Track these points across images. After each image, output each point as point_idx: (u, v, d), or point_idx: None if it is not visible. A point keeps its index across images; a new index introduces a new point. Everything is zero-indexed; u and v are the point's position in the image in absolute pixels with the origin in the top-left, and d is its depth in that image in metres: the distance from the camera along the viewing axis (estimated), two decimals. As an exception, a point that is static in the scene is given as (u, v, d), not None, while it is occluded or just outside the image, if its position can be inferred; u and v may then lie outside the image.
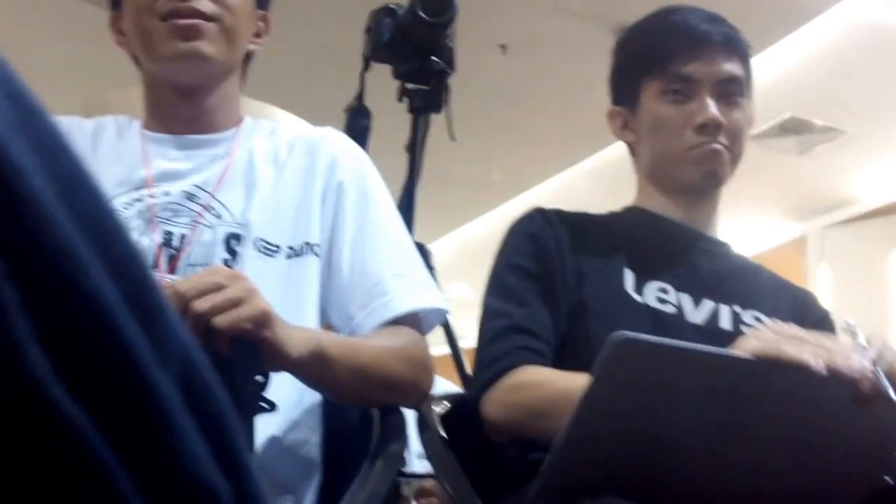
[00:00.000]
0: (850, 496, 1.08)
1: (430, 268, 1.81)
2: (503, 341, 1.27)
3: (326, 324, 1.28)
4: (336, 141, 1.35)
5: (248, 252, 1.19)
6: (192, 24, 1.18)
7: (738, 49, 1.39)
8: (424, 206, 1.81)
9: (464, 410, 1.31)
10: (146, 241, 1.18)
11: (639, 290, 1.31)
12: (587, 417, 0.97)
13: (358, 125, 1.76)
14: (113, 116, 1.34)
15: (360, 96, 1.80)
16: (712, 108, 1.33)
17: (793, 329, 0.98)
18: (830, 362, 0.92)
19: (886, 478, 1.14)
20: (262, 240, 1.21)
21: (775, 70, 4.47)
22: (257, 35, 1.34)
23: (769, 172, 5.51)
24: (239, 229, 1.21)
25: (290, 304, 1.19)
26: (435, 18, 1.71)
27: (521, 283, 1.32)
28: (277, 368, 0.98)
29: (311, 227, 1.25)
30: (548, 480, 1.02)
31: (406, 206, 1.81)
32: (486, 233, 7.13)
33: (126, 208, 1.20)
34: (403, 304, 1.21)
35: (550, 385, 1.18)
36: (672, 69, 1.36)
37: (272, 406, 1.00)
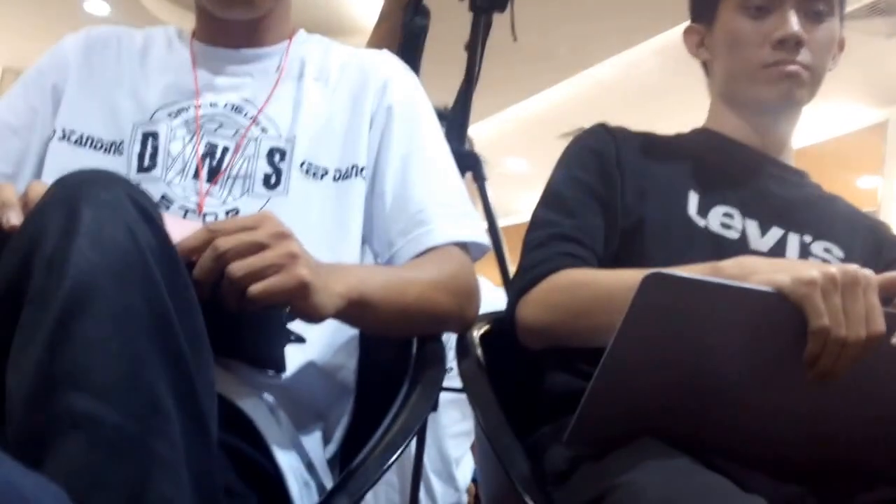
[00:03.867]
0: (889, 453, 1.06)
1: (482, 178, 1.81)
2: (547, 248, 1.25)
3: None
4: (390, 63, 1.32)
5: (293, 172, 1.19)
6: None
7: None
8: (484, 78, 1.78)
9: (503, 332, 1.31)
10: (189, 149, 1.19)
11: (703, 214, 1.27)
12: (621, 356, 0.96)
13: (416, 24, 1.72)
14: (163, 27, 1.33)
15: (420, -6, 1.75)
16: (794, 23, 1.26)
17: (836, 276, 0.93)
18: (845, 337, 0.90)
19: None
20: (309, 161, 1.20)
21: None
22: None
23: (855, 55, 5.28)
24: (284, 145, 1.20)
25: (336, 228, 1.19)
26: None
27: (575, 196, 1.29)
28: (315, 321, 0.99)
29: (359, 150, 1.23)
30: (581, 422, 1.02)
31: (462, 108, 1.78)
32: (547, 108, 7.01)
33: (172, 117, 1.21)
34: (445, 233, 1.20)
35: (593, 283, 1.16)
36: None
37: (301, 339, 1.02)
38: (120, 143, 1.20)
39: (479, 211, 1.80)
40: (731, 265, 1.04)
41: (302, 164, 1.20)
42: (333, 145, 1.23)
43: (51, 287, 0.72)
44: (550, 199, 1.32)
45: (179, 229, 0.88)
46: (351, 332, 1.21)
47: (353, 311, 1.03)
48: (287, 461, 1.02)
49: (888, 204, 6.56)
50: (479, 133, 1.79)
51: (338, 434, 1.20)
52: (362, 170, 1.22)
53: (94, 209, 0.76)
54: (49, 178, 1.16)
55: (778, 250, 1.28)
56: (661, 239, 1.25)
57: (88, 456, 0.69)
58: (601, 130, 1.37)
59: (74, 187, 0.78)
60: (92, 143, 1.21)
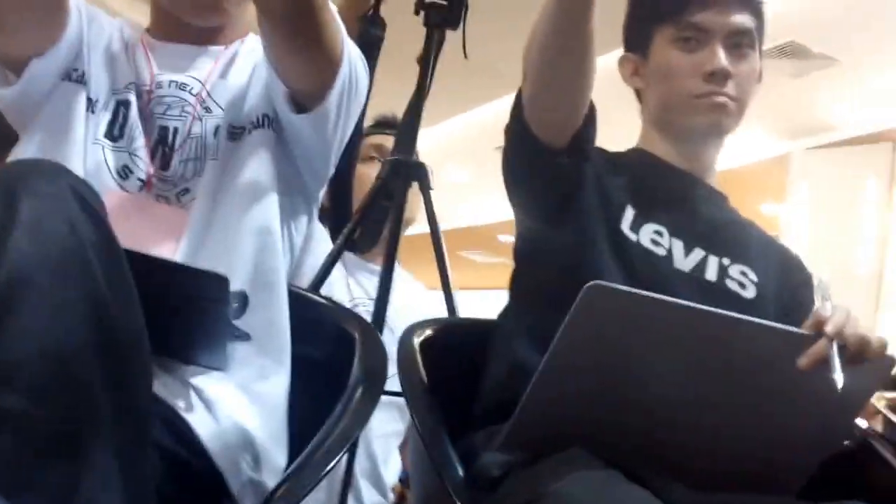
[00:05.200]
0: (810, 459, 1.11)
1: (428, 188, 1.79)
2: None
3: None
4: None
5: (221, 141, 1.20)
6: None
7: (751, 1, 1.36)
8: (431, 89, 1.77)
9: (446, 338, 1.30)
10: (144, 128, 1.20)
11: (635, 230, 1.30)
12: (558, 364, 0.98)
13: (371, 35, 1.70)
14: (120, 20, 1.32)
15: (376, 6, 1.73)
16: (722, 57, 1.31)
17: None
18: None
19: (846, 442, 1.17)
20: (232, 125, 1.21)
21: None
22: None
23: (764, 91, 5.44)
24: (219, 120, 1.21)
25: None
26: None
27: None
28: None
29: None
30: (516, 429, 1.03)
31: (412, 119, 1.77)
32: (488, 120, 7.03)
33: (137, 97, 1.21)
34: None
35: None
36: (685, 18, 1.33)
37: (246, 336, 0.98)
38: (95, 102, 1.20)
39: (422, 217, 1.78)
40: None
41: (228, 129, 1.21)
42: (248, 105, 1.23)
43: None
44: None
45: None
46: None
47: None
48: (226, 460, 0.99)
49: (788, 229, 6.76)
50: (423, 141, 1.77)
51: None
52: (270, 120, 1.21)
53: (34, 201, 0.73)
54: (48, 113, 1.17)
55: (698, 271, 1.31)
56: (597, 249, 1.27)
57: (17, 455, 0.66)
58: None
59: (15, 178, 0.75)
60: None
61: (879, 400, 2.96)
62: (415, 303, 1.93)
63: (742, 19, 1.33)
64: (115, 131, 1.19)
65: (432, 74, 1.78)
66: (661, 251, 1.29)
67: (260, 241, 1.14)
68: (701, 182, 1.40)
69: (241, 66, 1.27)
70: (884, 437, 1.24)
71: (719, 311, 0.99)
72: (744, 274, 1.33)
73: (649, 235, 1.30)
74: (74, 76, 1.20)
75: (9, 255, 0.69)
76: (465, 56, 1.74)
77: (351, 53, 1.18)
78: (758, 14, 1.36)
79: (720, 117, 1.33)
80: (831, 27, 4.91)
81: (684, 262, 1.30)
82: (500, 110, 6.46)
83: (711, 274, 1.31)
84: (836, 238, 6.56)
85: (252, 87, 1.23)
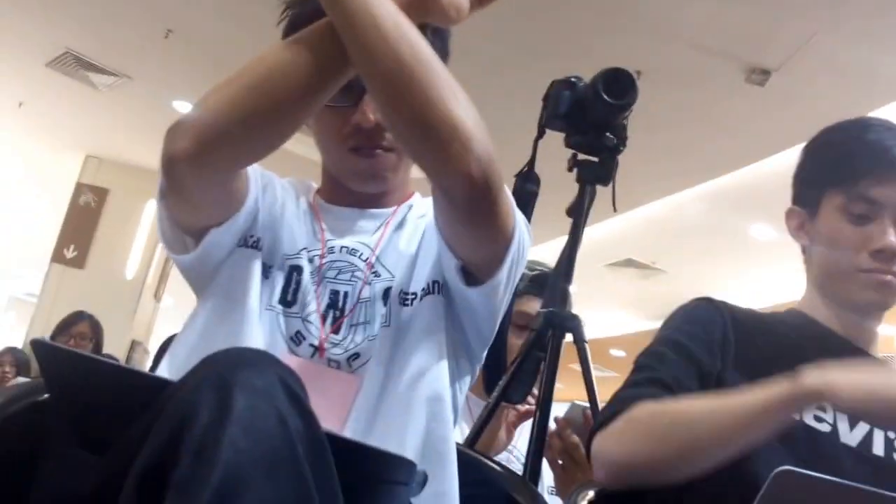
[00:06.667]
0: None
1: (582, 340, 1.79)
2: (634, 388, 1.23)
3: None
4: None
5: (393, 307, 1.20)
6: (374, 154, 1.23)
7: None
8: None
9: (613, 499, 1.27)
10: (316, 293, 1.21)
11: None
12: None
13: (526, 190, 1.73)
14: (288, 180, 1.36)
15: (531, 162, 1.77)
16: (892, 235, 1.27)
17: None
18: None
19: None
20: (403, 291, 1.21)
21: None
22: None
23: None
24: (390, 283, 1.22)
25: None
26: (616, 100, 1.68)
27: (677, 357, 1.27)
28: None
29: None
30: None
31: (566, 272, 1.79)
32: (596, 239, 7.07)
33: (311, 261, 1.23)
34: None
35: (673, 411, 1.13)
36: (858, 189, 1.29)
37: None
38: (269, 268, 1.22)
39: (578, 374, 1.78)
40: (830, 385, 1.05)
41: (399, 295, 1.21)
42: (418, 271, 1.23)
43: (200, 475, 0.68)
44: (650, 354, 1.30)
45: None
46: None
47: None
48: None
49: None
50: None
51: None
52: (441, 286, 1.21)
53: (248, 396, 0.73)
54: (225, 279, 1.21)
55: (865, 445, 1.25)
56: None
57: None
58: (708, 304, 1.36)
59: (227, 369, 0.75)
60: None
61: None
62: None
63: None
64: (289, 297, 1.21)
65: (583, 228, 1.81)
66: (824, 427, 1.24)
67: (431, 410, 1.14)
68: (862, 352, 1.35)
69: (409, 230, 1.28)
70: None
71: None
72: None
73: (812, 410, 1.25)
74: (250, 242, 1.23)
75: (225, 451, 0.69)
76: (615, 209, 1.76)
77: (519, 223, 1.18)
78: None
79: (885, 297, 1.30)
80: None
81: (850, 436, 1.25)
82: (608, 229, 6.47)
83: (879, 448, 1.25)
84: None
85: (422, 254, 1.24)
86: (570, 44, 4.35)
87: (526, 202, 1.74)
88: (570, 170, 1.78)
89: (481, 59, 4.38)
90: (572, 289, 1.78)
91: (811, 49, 4.20)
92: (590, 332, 1.77)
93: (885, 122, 1.36)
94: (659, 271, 7.94)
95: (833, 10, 3.92)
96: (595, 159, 1.78)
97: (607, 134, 1.75)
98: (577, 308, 1.77)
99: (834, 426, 1.25)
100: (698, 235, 6.64)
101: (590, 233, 6.85)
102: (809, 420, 1.25)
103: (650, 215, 6.50)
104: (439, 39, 1.23)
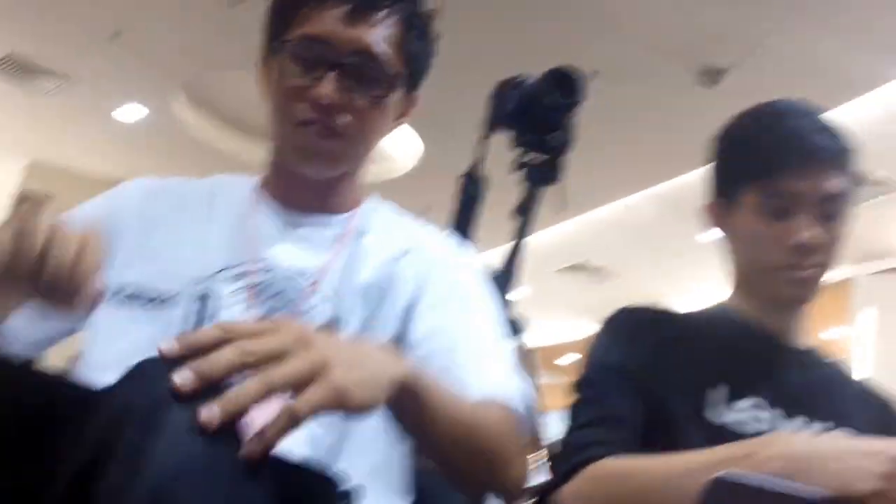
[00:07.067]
0: None
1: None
2: (588, 430, 1.19)
3: None
4: (450, 249, 1.27)
5: None
6: (324, 133, 1.14)
7: (845, 162, 1.27)
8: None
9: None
10: (246, 318, 1.10)
11: (730, 405, 1.23)
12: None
13: (472, 192, 1.69)
14: (229, 175, 1.27)
15: (476, 163, 1.72)
16: (811, 229, 1.24)
17: None
18: None
19: None
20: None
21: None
22: (402, 115, 1.25)
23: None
24: (333, 315, 1.12)
25: None
26: (564, 99, 1.64)
27: (618, 379, 1.24)
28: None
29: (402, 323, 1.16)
30: None
31: (506, 274, 1.74)
32: (549, 243, 7.09)
33: (234, 280, 1.13)
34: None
35: (641, 474, 1.09)
36: (774, 184, 1.25)
37: None
38: (175, 295, 1.11)
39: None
40: (772, 456, 0.99)
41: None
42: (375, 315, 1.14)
43: (130, 486, 0.65)
44: (591, 384, 1.27)
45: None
46: None
47: (404, 401, 0.88)
48: None
49: (853, 354, 6.62)
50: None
51: None
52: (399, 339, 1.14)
53: (178, 409, 0.69)
54: (101, 339, 1.10)
55: None
56: (685, 432, 1.19)
57: None
58: (631, 315, 1.34)
59: (156, 381, 0.70)
60: (144, 298, 1.12)
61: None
62: None
63: (836, 184, 1.25)
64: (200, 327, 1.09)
65: (530, 230, 1.76)
66: (763, 426, 1.22)
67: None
68: (789, 346, 1.33)
69: (372, 255, 1.18)
70: None
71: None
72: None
73: (748, 411, 1.23)
74: (124, 293, 1.13)
75: (154, 464, 0.66)
76: (564, 210, 1.72)
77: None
78: (850, 172, 1.28)
79: (804, 292, 1.28)
80: (886, 155, 4.95)
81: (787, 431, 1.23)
82: (559, 233, 6.53)
83: None
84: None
85: (388, 302, 1.15)
86: (523, 43, 4.32)
87: (471, 204, 1.70)
88: (516, 170, 1.73)
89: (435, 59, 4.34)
90: (523, 293, 1.73)
91: (763, 50, 4.24)
92: (542, 339, 1.73)
93: (801, 106, 1.32)
94: (612, 275, 7.98)
95: (786, 11, 3.95)
96: (543, 158, 1.73)
97: (555, 133, 1.70)
98: (529, 314, 1.72)
99: (771, 424, 1.23)
100: (651, 238, 6.68)
101: (540, 237, 6.92)
102: (743, 419, 1.22)
103: (603, 218, 6.52)
104: (424, 42, 1.20)
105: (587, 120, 1.74)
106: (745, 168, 1.30)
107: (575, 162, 1.74)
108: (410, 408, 0.90)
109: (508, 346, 1.22)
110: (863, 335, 6.73)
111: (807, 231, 1.24)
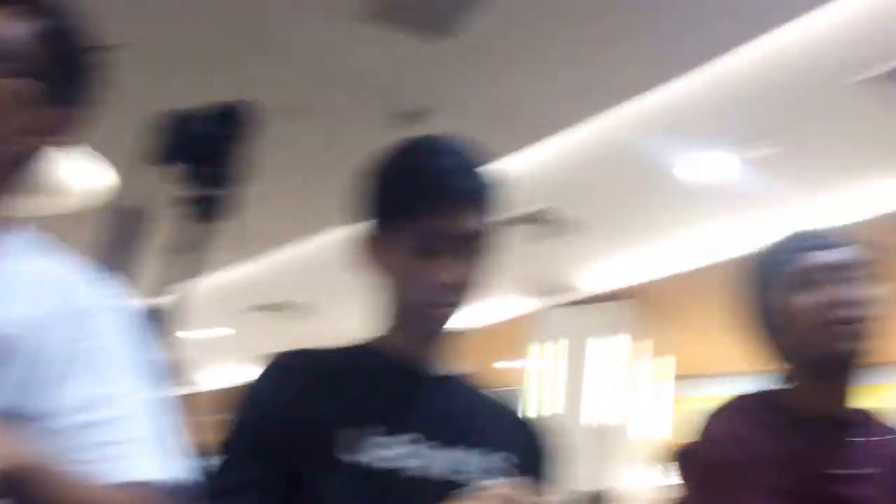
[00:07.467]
0: None
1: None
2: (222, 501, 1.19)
3: None
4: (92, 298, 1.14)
5: None
6: None
7: (484, 201, 1.31)
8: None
9: None
10: None
11: (355, 448, 1.22)
12: None
13: (130, 228, 1.58)
14: None
15: (138, 198, 1.61)
16: (453, 269, 1.27)
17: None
18: None
19: None
20: None
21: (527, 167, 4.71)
22: (48, 132, 1.12)
23: (509, 253, 5.78)
24: None
25: None
26: (231, 132, 1.57)
27: (245, 438, 1.25)
28: None
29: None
30: None
31: (168, 315, 1.63)
32: (236, 281, 6.97)
33: None
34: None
35: None
36: (418, 224, 1.27)
37: None
38: None
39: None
40: None
41: None
42: None
43: None
44: (233, 438, 1.26)
45: None
46: None
47: (17, 490, 0.81)
48: None
49: (530, 384, 7.14)
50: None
51: None
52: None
53: None
54: None
55: (425, 470, 1.25)
56: (317, 489, 1.20)
57: None
58: (270, 372, 1.31)
59: None
60: None
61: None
62: None
63: (475, 223, 1.28)
64: None
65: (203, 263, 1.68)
66: (413, 462, 1.23)
67: None
68: (436, 375, 1.34)
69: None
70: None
71: None
72: (507, 459, 1.30)
73: (374, 449, 1.22)
74: None
75: None
76: (244, 247, 1.65)
77: None
78: (489, 209, 1.31)
79: (442, 327, 1.31)
80: (570, 200, 5.36)
81: (414, 461, 1.24)
82: (249, 272, 6.37)
83: (442, 468, 1.25)
84: (579, 392, 6.89)
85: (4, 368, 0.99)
86: (203, 76, 4.18)
87: (129, 242, 1.59)
88: (181, 205, 1.63)
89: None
90: (224, 334, 1.62)
91: (459, 91, 4.37)
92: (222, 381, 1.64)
93: (444, 144, 1.34)
94: (312, 312, 7.96)
95: (484, 56, 4.08)
96: (210, 193, 1.65)
97: (222, 167, 1.63)
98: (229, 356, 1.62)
99: (400, 456, 1.24)
100: (344, 275, 6.73)
101: (233, 275, 6.72)
102: (370, 458, 1.22)
103: (298, 256, 6.48)
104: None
105: (275, 158, 1.69)
106: (390, 207, 1.31)
107: (269, 198, 1.67)
108: (26, 498, 0.83)
109: (155, 412, 1.11)
110: (541, 367, 7.18)
111: (445, 271, 1.26)
